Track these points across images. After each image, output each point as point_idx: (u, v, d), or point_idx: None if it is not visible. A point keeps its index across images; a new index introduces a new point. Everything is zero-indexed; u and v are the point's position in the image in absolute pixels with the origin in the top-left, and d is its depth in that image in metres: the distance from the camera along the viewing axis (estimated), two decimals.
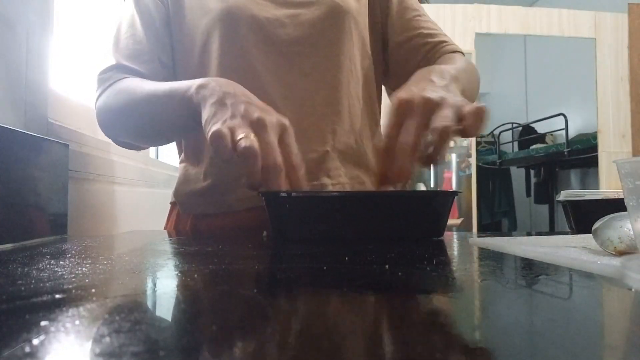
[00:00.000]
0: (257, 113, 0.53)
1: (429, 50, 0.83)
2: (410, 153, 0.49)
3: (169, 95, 0.63)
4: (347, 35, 0.77)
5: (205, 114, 0.55)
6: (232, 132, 0.51)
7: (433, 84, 0.55)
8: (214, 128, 0.51)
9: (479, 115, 0.49)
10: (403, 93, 0.53)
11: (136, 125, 0.71)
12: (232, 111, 0.54)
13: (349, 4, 0.77)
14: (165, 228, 0.83)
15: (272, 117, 0.54)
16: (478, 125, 0.49)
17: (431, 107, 0.50)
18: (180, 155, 0.85)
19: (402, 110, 0.51)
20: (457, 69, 0.65)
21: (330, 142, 0.75)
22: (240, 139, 0.50)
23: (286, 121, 0.55)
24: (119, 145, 0.79)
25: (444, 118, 0.48)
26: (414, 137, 0.49)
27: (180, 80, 0.78)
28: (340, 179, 0.75)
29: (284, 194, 0.52)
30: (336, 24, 0.76)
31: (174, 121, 0.65)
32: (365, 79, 0.82)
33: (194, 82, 0.60)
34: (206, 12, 0.73)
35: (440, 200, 0.56)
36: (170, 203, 0.83)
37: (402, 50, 0.84)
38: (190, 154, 0.80)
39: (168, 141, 0.80)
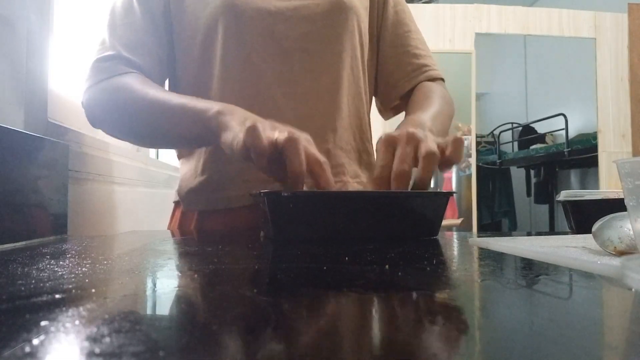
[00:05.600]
0: (281, 126, 0.54)
1: (413, 70, 0.85)
2: (405, 179, 0.54)
3: (183, 111, 0.63)
4: (349, 32, 0.77)
5: (230, 134, 0.55)
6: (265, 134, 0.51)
7: (414, 128, 0.60)
8: (248, 123, 0.51)
9: (458, 144, 0.56)
10: (389, 133, 0.58)
11: (137, 129, 0.70)
12: (258, 121, 0.55)
13: (351, 1, 0.77)
14: (168, 227, 0.83)
15: (296, 131, 0.55)
16: (458, 153, 0.56)
17: (416, 140, 0.56)
18: (177, 153, 0.84)
19: (391, 143, 0.57)
20: (432, 117, 0.70)
21: (332, 139, 0.75)
22: (277, 136, 0.51)
23: (309, 137, 0.56)
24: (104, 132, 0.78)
25: (428, 147, 0.54)
26: (407, 165, 0.54)
27: (181, 77, 0.77)
28: (343, 177, 0.75)
29: (285, 194, 0.52)
30: (339, 20, 0.75)
31: (184, 136, 0.65)
32: (364, 77, 0.82)
33: (212, 106, 0.60)
34: (208, 3, 0.72)
35: (436, 201, 0.57)
36: (174, 202, 0.83)
37: (389, 62, 0.86)
38: (186, 151, 0.80)
39: (167, 148, 0.80)
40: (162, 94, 0.67)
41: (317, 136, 0.74)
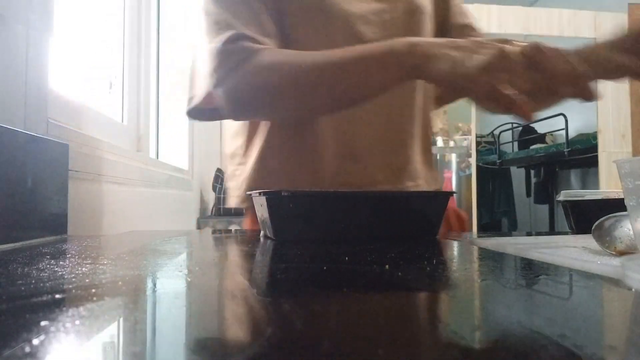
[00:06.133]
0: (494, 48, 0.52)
1: None
2: None
3: (359, 60, 0.59)
4: (424, 36, 0.77)
5: (446, 64, 0.54)
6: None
7: None
8: (490, 51, 0.51)
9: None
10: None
11: (307, 98, 0.64)
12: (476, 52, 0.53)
13: (424, 5, 0.77)
14: (246, 227, 0.81)
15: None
16: None
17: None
18: (243, 153, 0.77)
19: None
20: None
21: (412, 145, 0.76)
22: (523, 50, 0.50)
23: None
24: (239, 118, 0.71)
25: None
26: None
27: None
28: (419, 180, 0.77)
29: (285, 194, 0.52)
30: (416, 25, 0.75)
31: (369, 83, 0.61)
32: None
33: (392, 44, 0.57)
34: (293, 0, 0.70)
35: (436, 201, 0.57)
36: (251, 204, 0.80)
37: None
38: (274, 149, 0.74)
39: (338, 108, 0.70)
40: (321, 54, 0.62)
41: (401, 143, 0.75)
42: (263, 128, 0.74)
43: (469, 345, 0.17)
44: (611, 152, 2.96)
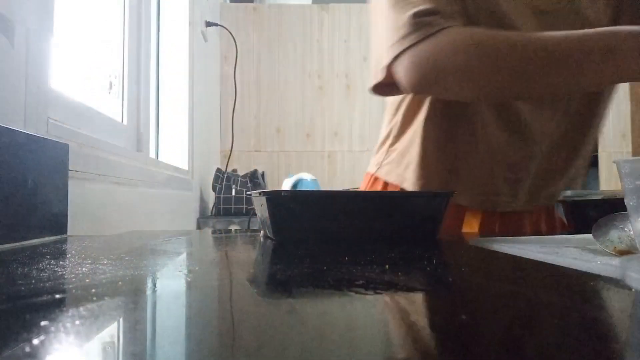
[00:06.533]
0: None
1: None
2: None
3: (592, 44, 0.56)
4: None
5: None
6: None
7: None
8: None
9: None
10: None
11: (516, 76, 0.60)
12: None
13: (600, 22, 0.74)
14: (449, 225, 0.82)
15: None
16: None
17: None
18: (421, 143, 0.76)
19: None
20: None
21: (567, 173, 0.77)
22: None
23: None
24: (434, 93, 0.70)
25: None
26: None
27: None
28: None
29: (285, 194, 0.52)
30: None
31: (590, 80, 0.58)
32: None
33: (621, 32, 0.54)
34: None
35: (436, 201, 0.57)
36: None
37: None
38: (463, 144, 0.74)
39: (531, 98, 0.69)
40: (537, 36, 0.58)
41: (569, 149, 0.74)
42: (419, 116, 0.75)
43: (469, 345, 0.17)
44: (611, 152, 2.96)
